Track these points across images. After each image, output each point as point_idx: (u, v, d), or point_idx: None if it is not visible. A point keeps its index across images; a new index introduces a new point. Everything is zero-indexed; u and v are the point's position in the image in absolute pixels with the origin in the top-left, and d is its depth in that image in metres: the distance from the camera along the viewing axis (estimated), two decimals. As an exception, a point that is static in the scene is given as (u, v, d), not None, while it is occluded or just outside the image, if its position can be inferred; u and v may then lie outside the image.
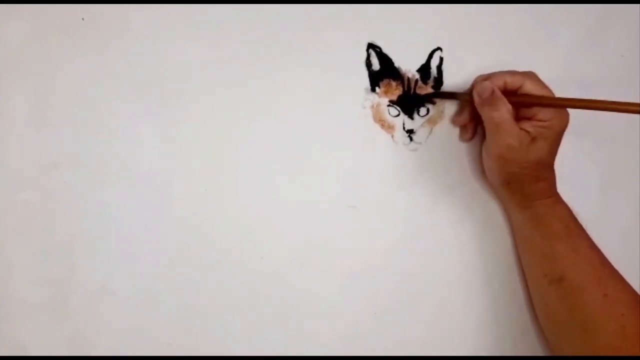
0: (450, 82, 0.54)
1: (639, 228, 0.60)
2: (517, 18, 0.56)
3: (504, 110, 0.49)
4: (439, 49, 0.54)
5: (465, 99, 0.53)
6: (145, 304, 0.49)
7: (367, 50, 0.53)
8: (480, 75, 0.53)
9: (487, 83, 0.50)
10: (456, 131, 0.55)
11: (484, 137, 0.53)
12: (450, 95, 0.54)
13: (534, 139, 0.49)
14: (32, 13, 0.46)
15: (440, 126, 0.55)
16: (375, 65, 0.53)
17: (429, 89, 0.54)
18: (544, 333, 0.55)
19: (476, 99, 0.50)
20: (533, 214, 0.52)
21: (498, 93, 0.49)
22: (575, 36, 0.58)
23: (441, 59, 0.54)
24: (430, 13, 0.54)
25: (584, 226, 0.52)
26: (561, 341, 0.52)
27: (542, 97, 0.50)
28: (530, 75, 0.51)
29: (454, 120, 0.55)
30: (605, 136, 0.59)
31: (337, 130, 0.53)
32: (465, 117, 0.54)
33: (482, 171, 0.55)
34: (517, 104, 0.50)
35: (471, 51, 0.55)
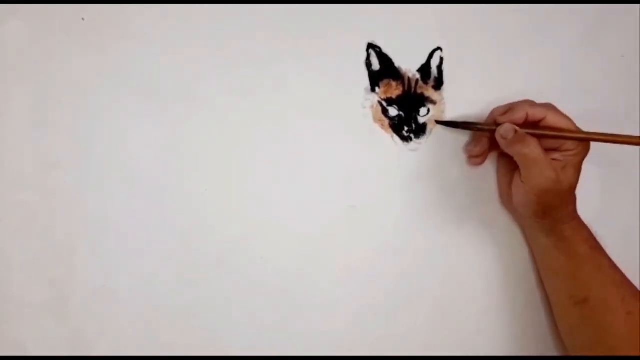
0: (451, 82, 0.54)
1: (639, 228, 0.60)
2: (517, 18, 0.56)
3: (534, 145, 0.49)
4: (439, 49, 0.54)
5: (483, 131, 0.53)
6: (145, 304, 0.49)
7: (367, 50, 0.53)
8: (498, 107, 0.52)
9: (508, 126, 0.50)
10: (456, 131, 0.55)
11: (506, 168, 0.53)
12: (466, 126, 0.54)
13: (564, 167, 0.50)
14: (32, 13, 0.46)
15: (440, 126, 0.55)
16: (375, 65, 0.53)
17: (429, 89, 0.54)
18: (568, 352, 0.55)
19: (501, 141, 0.50)
20: (559, 238, 0.52)
21: (521, 132, 0.49)
22: (575, 36, 0.58)
23: (441, 59, 0.54)
24: (430, 13, 0.54)
25: None
26: None
27: (565, 130, 0.50)
28: (551, 107, 0.51)
29: (468, 150, 0.55)
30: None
31: (337, 130, 0.53)
32: (482, 148, 0.54)
33: (481, 174, 0.55)
34: (540, 136, 0.50)
35: (471, 51, 0.55)
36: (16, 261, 0.47)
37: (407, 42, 0.53)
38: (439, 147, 0.55)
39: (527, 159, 0.50)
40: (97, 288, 0.48)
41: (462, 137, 0.55)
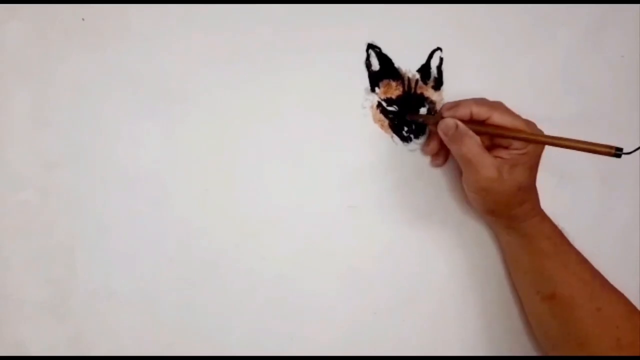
0: (451, 82, 0.54)
1: (638, 228, 0.60)
2: (516, 18, 0.56)
3: (472, 144, 0.48)
4: (439, 49, 0.54)
5: (428, 123, 0.52)
6: (145, 304, 0.49)
7: (367, 50, 0.53)
8: (447, 103, 0.51)
9: (449, 120, 0.49)
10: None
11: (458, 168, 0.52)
12: (420, 118, 0.53)
13: (512, 166, 0.48)
14: (32, 13, 0.46)
15: (440, 126, 0.55)
16: (375, 65, 0.53)
17: (429, 89, 0.54)
18: (543, 350, 0.55)
19: (442, 137, 0.49)
20: (520, 235, 0.52)
21: (462, 128, 0.48)
22: (575, 36, 0.58)
23: (441, 59, 0.54)
24: (430, 13, 0.54)
25: (580, 232, 0.53)
26: (558, 355, 0.52)
27: (509, 129, 0.48)
28: (498, 106, 0.49)
29: (423, 150, 0.54)
30: (605, 136, 0.59)
31: (337, 130, 0.53)
32: (434, 146, 0.53)
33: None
34: (485, 134, 0.49)
35: (471, 51, 0.55)
36: (16, 261, 0.47)
37: (407, 42, 0.53)
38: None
39: (464, 159, 0.49)
40: (97, 288, 0.48)
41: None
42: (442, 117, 0.50)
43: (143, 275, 0.49)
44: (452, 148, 0.49)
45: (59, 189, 0.47)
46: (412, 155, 0.54)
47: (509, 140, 0.49)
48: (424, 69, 0.54)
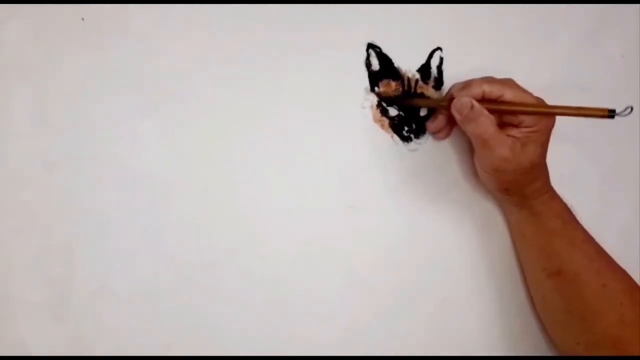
0: (451, 82, 0.54)
1: (639, 228, 0.60)
2: (516, 18, 0.56)
3: (487, 124, 0.48)
4: (439, 49, 0.54)
5: (441, 106, 0.52)
6: (145, 304, 0.49)
7: (367, 50, 0.53)
8: (457, 83, 0.51)
9: (465, 99, 0.48)
10: (455, 131, 0.55)
11: (470, 147, 0.53)
12: (425, 101, 0.53)
13: (524, 144, 0.49)
14: (32, 13, 0.46)
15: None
16: (375, 65, 0.53)
17: (429, 89, 0.54)
18: (544, 327, 0.55)
19: (456, 116, 0.49)
20: (530, 212, 0.52)
21: (477, 107, 0.48)
22: (575, 36, 0.58)
23: (441, 59, 0.54)
24: (430, 13, 0.54)
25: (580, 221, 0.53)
26: (561, 333, 0.53)
27: (523, 105, 0.49)
28: (509, 83, 0.50)
29: (427, 126, 0.54)
30: (605, 136, 0.59)
31: (337, 130, 0.53)
32: (439, 124, 0.53)
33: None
34: (498, 112, 0.49)
35: (471, 51, 0.55)
36: (16, 261, 0.47)
37: (407, 42, 0.53)
38: (439, 147, 0.55)
39: (480, 139, 0.49)
40: (97, 288, 0.48)
41: (462, 137, 0.55)
42: (453, 97, 0.49)
43: (143, 275, 0.49)
44: (468, 127, 0.49)
45: (59, 189, 0.47)
46: (412, 155, 0.54)
47: (519, 117, 0.49)
48: (424, 69, 0.54)
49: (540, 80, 0.56)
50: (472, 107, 0.48)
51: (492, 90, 0.49)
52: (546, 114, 0.49)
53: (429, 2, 0.54)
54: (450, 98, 0.50)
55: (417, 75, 0.54)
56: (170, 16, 0.49)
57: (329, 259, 0.53)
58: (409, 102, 0.53)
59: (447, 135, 0.54)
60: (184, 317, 0.50)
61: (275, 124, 0.51)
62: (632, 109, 0.46)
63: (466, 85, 0.50)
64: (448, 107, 0.50)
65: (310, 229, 0.52)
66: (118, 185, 0.48)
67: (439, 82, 0.54)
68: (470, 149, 0.55)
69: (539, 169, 0.51)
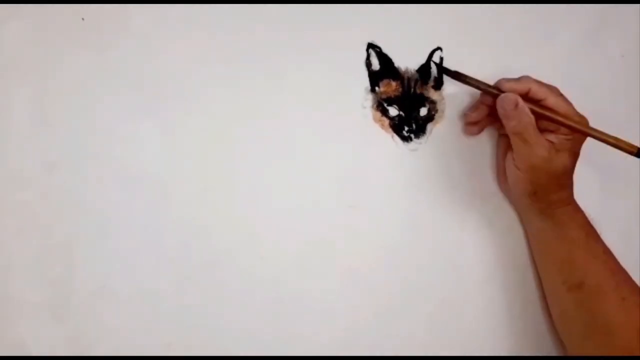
0: (451, 82, 0.54)
1: (639, 228, 0.60)
2: (516, 18, 0.56)
3: (528, 124, 0.49)
4: (439, 49, 0.54)
5: (488, 94, 0.52)
6: (145, 304, 0.49)
7: (367, 50, 0.53)
8: (505, 78, 0.52)
9: (512, 95, 0.50)
10: (456, 131, 0.55)
11: (504, 147, 0.53)
12: (473, 81, 0.53)
13: (558, 150, 0.50)
14: (32, 13, 0.46)
15: (440, 126, 0.55)
16: (375, 65, 0.53)
17: (429, 89, 0.54)
18: (561, 339, 0.55)
19: (500, 110, 0.50)
20: (554, 221, 0.52)
21: (522, 106, 0.49)
22: (575, 36, 0.58)
23: (441, 59, 0.54)
24: (430, 13, 0.54)
25: None
26: (580, 347, 0.52)
27: (562, 115, 0.50)
28: (555, 90, 0.51)
29: (466, 115, 0.54)
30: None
31: (337, 130, 0.53)
32: (479, 114, 0.53)
33: (482, 174, 0.55)
34: (537, 114, 0.50)
35: (471, 51, 0.55)
36: (16, 261, 0.47)
37: (407, 42, 0.53)
38: (439, 147, 0.55)
39: (519, 136, 0.50)
40: (97, 288, 0.48)
41: (462, 137, 0.55)
42: (500, 90, 0.51)
43: (143, 275, 0.49)
44: (509, 123, 0.50)
45: (59, 189, 0.47)
46: (412, 155, 0.54)
47: (556, 124, 0.50)
48: (424, 69, 0.54)
49: (540, 80, 0.56)
50: (517, 104, 0.49)
51: (538, 92, 0.50)
52: (581, 133, 0.50)
53: (429, 2, 0.54)
54: (498, 88, 0.51)
55: (417, 75, 0.54)
56: (170, 16, 0.49)
57: (328, 259, 0.53)
58: (461, 78, 0.52)
59: (480, 131, 0.55)
60: (184, 317, 0.50)
61: (275, 124, 0.51)
62: None
63: (515, 80, 0.51)
64: (494, 97, 0.51)
65: (310, 229, 0.52)
66: (118, 185, 0.48)
67: (439, 82, 0.54)
68: (474, 150, 0.55)
69: (568, 178, 0.52)
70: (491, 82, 0.52)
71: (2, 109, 0.46)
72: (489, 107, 0.53)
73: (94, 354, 0.48)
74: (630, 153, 0.50)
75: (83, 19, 0.47)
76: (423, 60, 0.54)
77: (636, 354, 0.49)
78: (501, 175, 0.55)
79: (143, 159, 0.49)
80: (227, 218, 0.50)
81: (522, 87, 0.50)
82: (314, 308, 0.52)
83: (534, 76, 0.51)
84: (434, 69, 0.54)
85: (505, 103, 0.50)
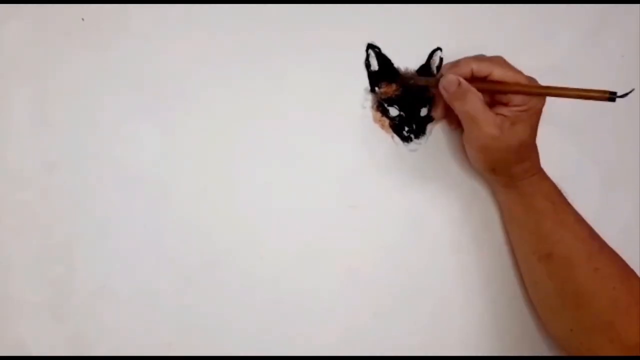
0: (450, 82, 0.54)
1: (639, 228, 0.60)
2: (517, 18, 0.56)
3: (475, 101, 0.48)
4: (439, 49, 0.54)
5: (431, 85, 0.51)
6: (145, 304, 0.49)
7: (367, 50, 0.53)
8: (447, 64, 0.51)
9: (451, 76, 0.48)
10: (456, 131, 0.55)
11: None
12: (421, 81, 0.52)
13: (513, 123, 0.48)
14: (32, 13, 0.46)
15: (440, 126, 0.55)
16: (375, 65, 0.53)
17: (429, 89, 0.54)
18: (537, 314, 0.55)
19: (444, 94, 0.49)
20: (519, 193, 0.52)
21: (465, 84, 0.48)
22: (575, 36, 0.58)
23: (441, 59, 0.54)
24: (430, 13, 0.54)
25: None
26: (554, 320, 0.52)
27: (512, 84, 0.48)
28: (499, 61, 0.49)
29: (433, 115, 0.54)
30: (605, 135, 0.59)
31: (337, 130, 0.53)
32: (441, 110, 0.53)
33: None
34: (486, 91, 0.49)
35: (471, 51, 0.55)
36: (16, 261, 0.47)
37: (407, 42, 0.53)
38: (439, 147, 0.55)
39: (467, 116, 0.48)
40: (97, 288, 0.48)
41: (462, 137, 0.55)
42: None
43: (143, 275, 0.49)
44: (455, 105, 0.49)
45: (59, 189, 0.47)
46: (412, 155, 0.54)
47: (509, 96, 0.48)
48: (424, 69, 0.54)
49: (540, 80, 0.56)
50: (459, 84, 0.48)
51: (481, 69, 0.48)
52: (540, 94, 0.48)
53: (429, 2, 0.54)
54: (438, 78, 0.50)
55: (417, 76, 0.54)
56: (170, 16, 0.49)
57: (328, 259, 0.53)
58: (403, 82, 0.52)
59: (458, 125, 0.53)
60: (184, 317, 0.50)
61: (275, 124, 0.51)
62: (632, 90, 0.45)
63: (454, 64, 0.50)
64: (437, 86, 0.50)
65: (310, 229, 0.52)
66: (118, 185, 0.48)
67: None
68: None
69: (528, 149, 0.50)
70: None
71: (2, 109, 0.46)
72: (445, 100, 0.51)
73: (94, 354, 0.48)
74: (603, 99, 0.46)
75: (83, 19, 0.47)
76: (423, 61, 0.54)
77: (610, 326, 0.48)
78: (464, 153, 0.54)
79: (143, 159, 0.49)
80: (227, 218, 0.50)
81: (464, 68, 0.49)
82: (314, 308, 0.52)
83: (534, 76, 0.51)
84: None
85: (446, 84, 0.48)
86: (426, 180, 0.55)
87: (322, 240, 0.52)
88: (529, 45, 0.57)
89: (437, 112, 0.53)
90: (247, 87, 0.50)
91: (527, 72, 0.55)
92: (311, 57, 0.51)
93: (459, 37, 0.55)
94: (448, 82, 0.48)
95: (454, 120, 0.54)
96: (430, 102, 0.54)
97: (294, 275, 0.52)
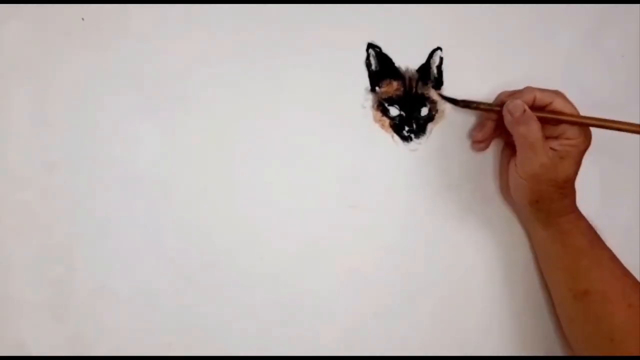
0: (450, 82, 0.54)
1: (639, 228, 0.60)
2: (517, 18, 0.56)
3: (536, 129, 0.49)
4: (439, 49, 0.54)
5: (490, 112, 0.53)
6: (145, 304, 0.49)
7: (367, 50, 0.53)
8: (505, 92, 0.53)
9: (518, 102, 0.50)
10: (456, 131, 0.55)
11: (508, 156, 0.53)
12: (473, 105, 0.53)
13: (561, 158, 0.50)
14: (32, 13, 0.46)
15: (440, 126, 0.55)
16: (375, 65, 0.53)
17: (429, 89, 0.54)
18: (573, 352, 0.55)
19: (507, 117, 0.50)
20: (557, 230, 0.52)
21: (529, 112, 0.49)
22: (575, 36, 0.58)
23: (441, 59, 0.54)
24: (430, 13, 0.54)
25: None
26: (588, 354, 0.52)
27: (572, 115, 0.50)
28: (559, 94, 0.51)
29: (472, 135, 0.55)
30: (605, 135, 0.59)
31: (337, 130, 0.53)
32: (486, 133, 0.54)
33: (482, 174, 0.55)
34: (545, 120, 0.50)
35: (471, 51, 0.55)
36: (16, 261, 0.47)
37: (407, 42, 0.53)
38: (439, 147, 0.55)
39: (526, 142, 0.50)
40: (97, 288, 0.48)
41: (462, 137, 0.55)
42: (503, 102, 0.51)
43: (143, 275, 0.49)
44: (519, 129, 0.50)
45: (59, 189, 0.47)
46: (412, 155, 0.54)
47: (560, 129, 0.50)
48: (424, 69, 0.54)
49: (541, 80, 0.56)
50: (524, 110, 0.49)
51: (544, 97, 0.50)
52: (598, 126, 0.50)
53: (429, 2, 0.54)
54: (500, 103, 0.52)
55: (418, 75, 0.54)
56: (170, 16, 0.49)
57: (328, 259, 0.53)
58: (465, 105, 0.53)
59: (487, 146, 0.55)
60: (184, 317, 0.50)
61: (275, 123, 0.51)
62: None
63: (519, 91, 0.51)
64: (497, 113, 0.52)
65: (311, 229, 0.52)
66: (118, 185, 0.48)
67: (439, 82, 0.54)
68: (477, 152, 0.55)
69: (570, 187, 0.51)
70: (492, 83, 0.53)
71: (2, 109, 0.46)
72: (494, 122, 0.53)
73: (94, 354, 0.48)
74: None
75: (83, 19, 0.47)
76: (423, 60, 0.54)
77: None
78: (504, 185, 0.55)
79: (143, 159, 0.49)
80: (227, 218, 0.50)
81: (527, 97, 0.50)
82: (315, 308, 0.52)
83: (534, 76, 0.52)
84: (437, 97, 0.54)
85: (512, 109, 0.50)
86: (426, 181, 0.55)
87: (322, 240, 0.52)
88: (529, 45, 0.57)
89: (480, 134, 0.54)
90: (247, 87, 0.50)
91: (527, 72, 0.55)
92: (311, 57, 0.51)
93: (459, 37, 0.55)
94: (514, 107, 0.50)
95: (485, 144, 0.55)
96: (430, 102, 0.54)
97: (294, 275, 0.52)
